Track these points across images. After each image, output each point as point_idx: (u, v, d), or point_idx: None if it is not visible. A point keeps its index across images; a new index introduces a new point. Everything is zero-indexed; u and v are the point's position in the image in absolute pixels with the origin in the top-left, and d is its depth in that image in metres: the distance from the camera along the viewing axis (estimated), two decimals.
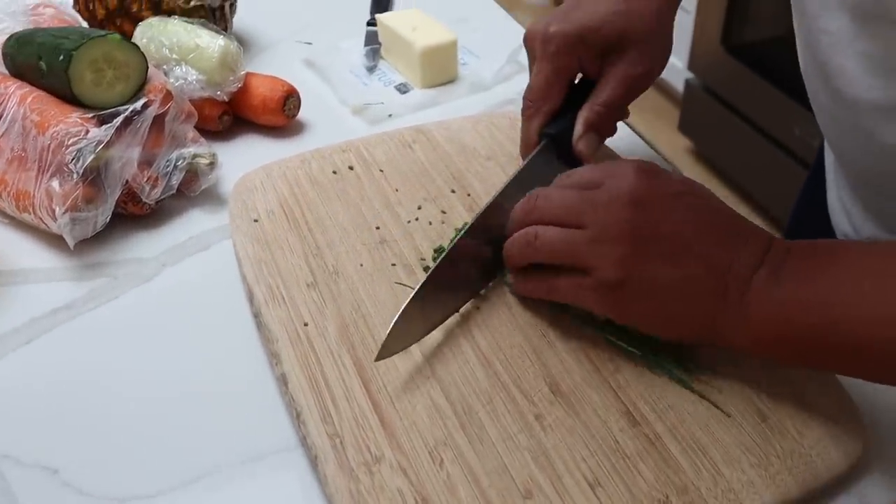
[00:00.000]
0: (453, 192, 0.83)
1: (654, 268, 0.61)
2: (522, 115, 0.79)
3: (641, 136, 0.96)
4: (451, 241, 0.72)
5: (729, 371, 0.65)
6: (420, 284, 0.66)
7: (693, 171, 2.71)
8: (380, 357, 0.64)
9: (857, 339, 0.56)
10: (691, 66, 2.70)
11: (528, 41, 0.79)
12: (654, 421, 0.62)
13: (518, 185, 0.72)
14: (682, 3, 2.45)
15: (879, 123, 0.66)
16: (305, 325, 0.69)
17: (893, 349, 0.55)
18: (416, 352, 0.67)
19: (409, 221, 0.79)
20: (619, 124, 0.96)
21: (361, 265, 0.75)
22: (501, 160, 0.87)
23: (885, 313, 0.55)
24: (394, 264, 0.75)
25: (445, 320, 0.68)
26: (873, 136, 0.67)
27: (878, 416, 0.65)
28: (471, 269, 0.71)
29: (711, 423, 0.62)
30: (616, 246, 0.61)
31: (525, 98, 0.78)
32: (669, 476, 0.59)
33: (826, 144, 0.90)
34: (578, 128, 0.76)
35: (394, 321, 0.64)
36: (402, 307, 0.64)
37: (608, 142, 0.88)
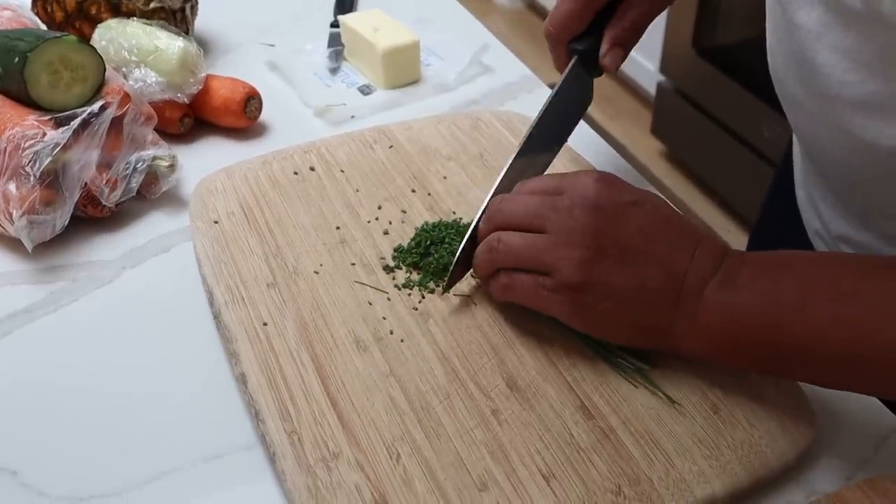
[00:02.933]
0: (414, 191, 0.83)
1: (613, 272, 0.62)
2: (547, 38, 0.79)
3: (613, 140, 0.97)
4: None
5: (682, 364, 0.66)
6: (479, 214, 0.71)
7: (665, 173, 2.72)
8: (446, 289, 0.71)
9: (803, 341, 0.58)
10: (663, 69, 2.72)
11: None
12: (609, 414, 0.63)
13: (559, 100, 0.77)
14: None
15: (854, 118, 0.66)
16: (265, 324, 0.69)
17: (838, 351, 0.57)
18: (375, 350, 0.67)
19: (369, 221, 0.80)
20: (591, 134, 0.98)
21: (321, 265, 0.75)
22: (463, 160, 0.88)
23: (829, 316, 0.57)
24: (353, 264, 0.75)
25: None
26: (848, 131, 0.68)
27: (826, 406, 0.66)
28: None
29: (664, 415, 0.63)
30: (577, 249, 0.63)
31: (548, 25, 0.78)
32: (622, 467, 0.60)
33: (795, 141, 0.91)
34: (605, 45, 0.77)
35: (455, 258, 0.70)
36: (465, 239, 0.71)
37: (582, 152, 0.89)
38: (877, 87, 0.63)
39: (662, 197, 0.67)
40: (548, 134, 0.78)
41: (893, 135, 0.64)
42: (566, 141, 0.81)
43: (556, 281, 0.63)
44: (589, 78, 0.80)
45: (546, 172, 0.79)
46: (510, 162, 0.74)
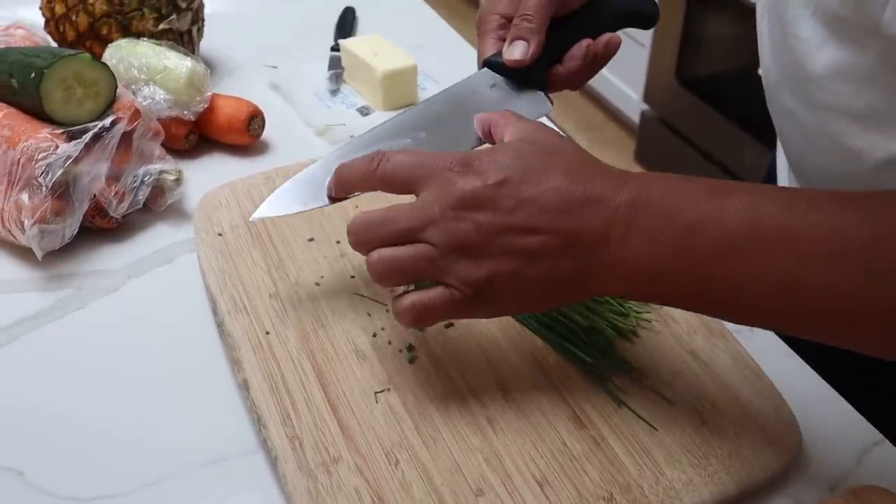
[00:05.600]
0: None
1: (506, 260, 0.58)
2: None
3: None
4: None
5: (671, 376, 0.69)
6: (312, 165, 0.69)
7: None
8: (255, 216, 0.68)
9: (725, 275, 0.55)
10: (646, 98, 2.76)
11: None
12: (601, 424, 0.65)
13: (447, 99, 0.73)
14: (637, 38, 2.51)
15: (848, 129, 0.68)
16: (267, 333, 0.72)
17: (763, 301, 0.56)
18: (374, 359, 0.69)
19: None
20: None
21: (322, 277, 0.77)
22: None
23: (754, 267, 0.55)
24: (353, 276, 0.78)
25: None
26: (839, 142, 0.69)
27: (810, 419, 0.68)
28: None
29: (654, 425, 0.65)
30: (461, 258, 0.59)
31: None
32: (614, 475, 0.62)
33: (779, 157, 0.93)
34: (507, 40, 0.72)
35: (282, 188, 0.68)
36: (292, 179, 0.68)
37: None
38: (872, 98, 0.65)
39: (531, 143, 0.61)
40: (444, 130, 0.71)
41: (885, 146, 0.66)
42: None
43: (460, 295, 0.60)
44: (530, 91, 0.74)
45: None
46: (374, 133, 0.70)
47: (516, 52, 0.71)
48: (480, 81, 0.74)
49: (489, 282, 0.59)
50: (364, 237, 0.62)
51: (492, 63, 0.74)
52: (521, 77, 0.73)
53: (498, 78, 0.73)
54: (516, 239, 0.58)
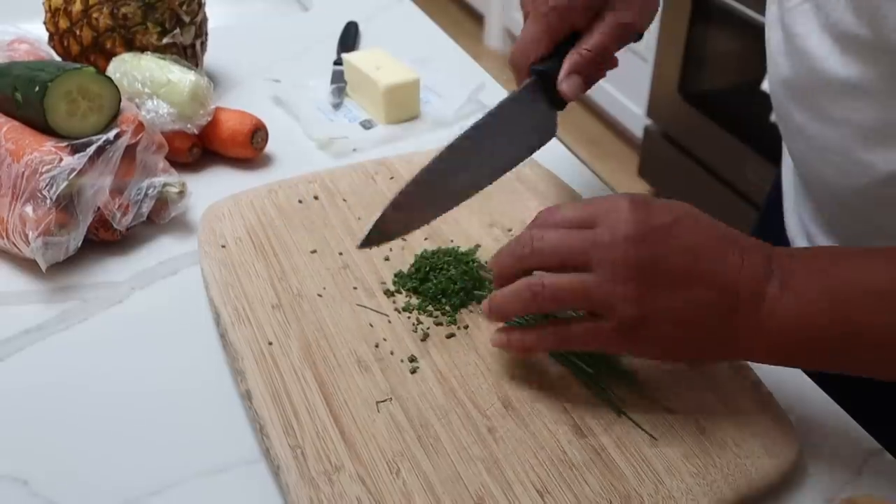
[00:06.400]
0: None
1: (667, 299, 0.61)
2: (511, 66, 0.81)
3: (600, 177, 1.00)
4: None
5: (671, 387, 0.69)
6: (401, 190, 0.71)
7: None
8: (363, 244, 0.71)
9: (877, 333, 0.59)
10: (650, 113, 2.77)
11: (522, 2, 0.81)
12: (601, 434, 0.66)
13: (500, 115, 0.76)
14: (640, 54, 2.52)
15: (856, 141, 0.69)
16: (270, 344, 0.72)
17: None
18: (376, 369, 0.70)
19: (370, 248, 0.82)
20: (581, 168, 1.01)
21: (325, 288, 0.78)
22: None
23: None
24: (355, 288, 0.78)
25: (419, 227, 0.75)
26: (848, 153, 0.70)
27: (809, 430, 0.69)
28: (446, 185, 0.74)
29: (654, 435, 0.66)
30: (629, 285, 0.61)
31: (511, 51, 0.80)
32: (613, 484, 0.62)
33: (785, 170, 0.94)
34: (564, 69, 0.77)
35: (379, 215, 0.70)
36: (389, 203, 0.70)
37: (569, 181, 0.93)
38: (882, 113, 0.66)
39: (694, 207, 0.66)
40: (486, 151, 0.76)
41: (893, 159, 0.67)
42: (513, 166, 0.80)
43: (614, 321, 0.62)
44: (550, 109, 0.79)
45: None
46: (428, 166, 0.72)
47: (575, 87, 0.76)
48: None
49: (642, 317, 0.62)
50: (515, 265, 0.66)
51: (536, 72, 0.78)
52: (549, 92, 0.78)
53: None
54: (678, 281, 0.61)
